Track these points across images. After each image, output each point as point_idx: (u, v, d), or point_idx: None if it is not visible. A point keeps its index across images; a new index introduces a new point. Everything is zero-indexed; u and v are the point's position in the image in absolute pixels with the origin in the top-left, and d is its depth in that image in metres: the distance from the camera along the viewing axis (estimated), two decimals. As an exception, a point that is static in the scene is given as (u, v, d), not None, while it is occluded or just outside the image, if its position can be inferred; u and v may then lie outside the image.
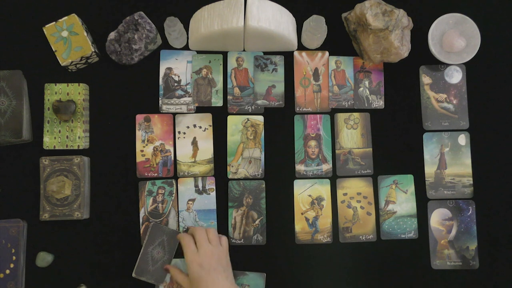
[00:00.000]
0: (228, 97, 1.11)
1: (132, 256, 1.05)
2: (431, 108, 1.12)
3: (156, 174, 1.08)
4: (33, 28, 1.09)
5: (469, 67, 1.13)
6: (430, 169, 1.11)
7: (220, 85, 1.11)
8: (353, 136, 1.11)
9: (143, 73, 1.11)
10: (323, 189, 1.10)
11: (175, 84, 1.11)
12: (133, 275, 1.03)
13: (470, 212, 1.10)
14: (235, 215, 1.08)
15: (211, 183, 1.09)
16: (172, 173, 1.09)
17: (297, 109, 1.11)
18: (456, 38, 1.09)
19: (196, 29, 1.06)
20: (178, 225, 1.07)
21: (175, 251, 1.05)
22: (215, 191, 1.08)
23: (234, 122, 1.10)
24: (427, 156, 1.11)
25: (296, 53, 1.13)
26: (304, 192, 1.09)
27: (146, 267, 1.04)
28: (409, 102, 1.12)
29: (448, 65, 1.13)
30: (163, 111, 1.10)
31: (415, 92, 1.13)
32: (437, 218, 1.10)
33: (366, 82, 1.13)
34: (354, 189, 1.10)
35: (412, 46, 1.09)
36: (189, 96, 1.10)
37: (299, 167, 1.10)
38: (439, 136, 1.11)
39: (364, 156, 1.11)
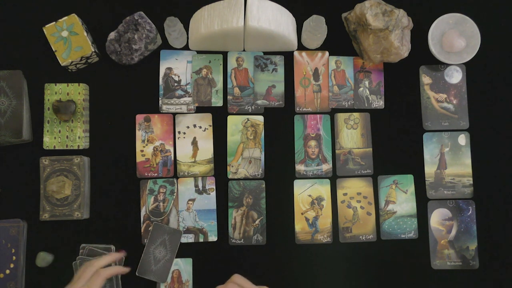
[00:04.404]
0: (228, 97, 1.11)
1: (132, 255, 1.05)
2: (431, 108, 1.12)
3: (156, 174, 1.08)
4: (33, 28, 1.09)
5: (469, 67, 1.13)
6: (430, 169, 1.11)
7: (220, 85, 1.11)
8: (353, 136, 1.11)
9: (143, 73, 1.11)
10: (323, 189, 1.10)
11: (175, 84, 1.11)
12: (137, 274, 1.04)
13: (470, 212, 1.10)
14: (235, 215, 1.08)
15: (211, 183, 1.09)
16: (172, 173, 1.09)
17: (297, 109, 1.11)
18: (456, 38, 1.09)
19: (196, 29, 1.06)
20: (179, 224, 1.07)
21: (177, 250, 1.05)
22: (215, 191, 1.08)
23: (234, 122, 1.10)
24: (427, 156, 1.11)
25: (296, 53, 1.13)
26: (304, 192, 1.09)
27: (149, 266, 1.04)
28: (409, 102, 1.12)
29: (448, 65, 1.13)
30: (163, 111, 1.10)
31: (415, 92, 1.13)
32: (437, 218, 1.10)
33: (366, 82, 1.13)
34: (354, 189, 1.10)
35: (412, 46, 1.09)
36: (189, 96, 1.11)
37: (299, 167, 1.10)
38: (439, 136, 1.11)
39: (364, 156, 1.11)
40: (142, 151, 1.09)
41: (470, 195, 1.10)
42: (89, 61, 1.09)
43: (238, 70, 1.12)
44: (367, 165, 1.11)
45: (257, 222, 1.08)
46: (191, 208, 1.08)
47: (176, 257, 1.06)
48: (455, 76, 1.13)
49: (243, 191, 1.09)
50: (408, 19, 1.06)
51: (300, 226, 1.09)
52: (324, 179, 1.10)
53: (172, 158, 1.09)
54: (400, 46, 1.05)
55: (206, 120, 1.10)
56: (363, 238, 1.09)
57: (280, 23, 1.04)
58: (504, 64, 1.14)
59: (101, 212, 1.07)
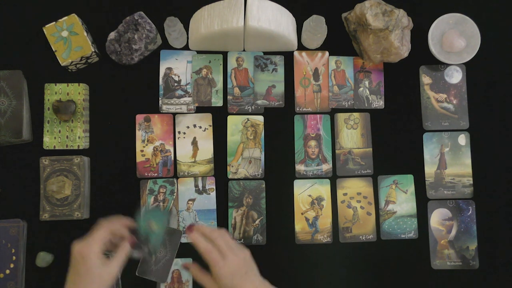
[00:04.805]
0: (228, 97, 1.11)
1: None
2: (431, 108, 1.12)
3: (156, 174, 1.08)
4: (33, 28, 1.09)
5: (469, 67, 1.13)
6: (430, 169, 1.11)
7: (220, 85, 1.11)
8: (353, 136, 1.11)
9: (143, 73, 1.11)
10: (323, 189, 1.10)
11: (175, 84, 1.11)
12: (137, 274, 1.04)
13: (470, 212, 1.10)
14: (235, 215, 1.08)
15: (211, 183, 1.09)
16: (172, 173, 1.09)
17: (297, 109, 1.12)
18: (456, 38, 1.09)
19: (196, 29, 1.06)
20: (179, 224, 1.07)
21: (177, 250, 1.05)
22: (215, 191, 1.08)
23: (234, 122, 1.10)
24: (427, 156, 1.11)
25: (296, 53, 1.13)
26: (304, 192, 1.09)
27: (149, 267, 1.04)
28: (409, 102, 1.13)
29: (448, 65, 1.13)
30: (163, 111, 1.10)
31: (415, 92, 1.13)
32: (437, 218, 1.10)
33: (366, 82, 1.13)
34: (354, 189, 1.10)
35: (412, 46, 1.09)
36: (189, 96, 1.11)
37: (299, 167, 1.10)
38: (439, 136, 1.11)
39: (364, 156, 1.11)
40: (142, 151, 1.09)
41: (470, 195, 1.10)
42: (89, 61, 1.09)
43: (238, 70, 1.12)
44: (367, 165, 1.11)
45: (257, 222, 1.08)
46: (191, 208, 1.08)
47: (176, 257, 1.06)
48: (455, 76, 1.13)
49: (243, 191, 1.09)
50: (408, 19, 1.06)
51: (300, 226, 1.09)
52: (324, 179, 1.10)
53: (172, 158, 1.09)
54: (400, 46, 1.05)
55: (206, 120, 1.10)
56: (363, 238, 1.09)
57: (280, 23, 1.04)
58: (504, 64, 1.14)
59: (101, 212, 1.07)
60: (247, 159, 1.10)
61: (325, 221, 1.09)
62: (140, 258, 1.01)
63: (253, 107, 1.11)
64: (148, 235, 0.94)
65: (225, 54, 1.12)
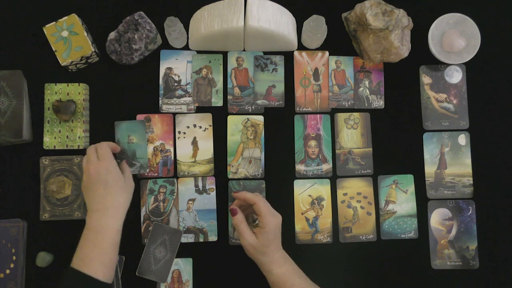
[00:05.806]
0: (228, 97, 1.11)
1: (133, 255, 1.05)
2: (431, 108, 1.12)
3: (156, 174, 1.08)
4: (33, 28, 1.09)
5: (469, 67, 1.13)
6: (430, 169, 1.11)
7: (220, 85, 1.11)
8: (353, 136, 1.11)
9: (143, 73, 1.11)
10: (323, 189, 1.10)
11: (175, 84, 1.11)
12: (137, 273, 1.04)
13: (470, 212, 1.10)
14: (235, 215, 1.08)
15: (211, 183, 1.09)
16: (172, 173, 1.09)
17: (297, 109, 1.12)
18: (456, 38, 1.09)
19: (196, 29, 1.06)
20: (179, 224, 1.07)
21: (177, 250, 1.05)
22: (215, 191, 1.08)
23: (234, 122, 1.10)
24: (427, 156, 1.11)
25: (296, 53, 1.13)
26: (304, 192, 1.09)
27: (149, 266, 1.04)
28: (409, 102, 1.13)
29: (448, 65, 1.13)
30: (163, 111, 1.10)
31: (415, 92, 1.13)
32: (437, 218, 1.10)
33: (366, 82, 1.13)
34: (354, 189, 1.10)
35: (412, 46, 1.09)
36: (189, 96, 1.11)
37: (299, 167, 1.10)
38: (439, 136, 1.12)
39: (364, 156, 1.11)
40: (142, 151, 1.09)
41: (470, 195, 1.10)
42: (89, 61, 1.09)
43: (238, 70, 1.12)
44: (367, 165, 1.11)
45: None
46: (191, 208, 1.08)
47: (176, 257, 1.06)
48: (455, 76, 1.13)
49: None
50: (408, 19, 1.06)
51: (300, 226, 1.09)
52: (324, 179, 1.10)
53: (172, 158, 1.09)
54: (400, 46, 1.06)
55: (206, 120, 1.10)
56: (363, 238, 1.09)
57: (280, 23, 1.04)
58: (504, 64, 1.14)
59: (101, 212, 1.07)
60: (247, 159, 1.10)
61: (325, 221, 1.09)
62: (136, 173, 1.06)
63: (253, 107, 1.11)
64: (132, 149, 1.05)
65: (225, 54, 1.12)
